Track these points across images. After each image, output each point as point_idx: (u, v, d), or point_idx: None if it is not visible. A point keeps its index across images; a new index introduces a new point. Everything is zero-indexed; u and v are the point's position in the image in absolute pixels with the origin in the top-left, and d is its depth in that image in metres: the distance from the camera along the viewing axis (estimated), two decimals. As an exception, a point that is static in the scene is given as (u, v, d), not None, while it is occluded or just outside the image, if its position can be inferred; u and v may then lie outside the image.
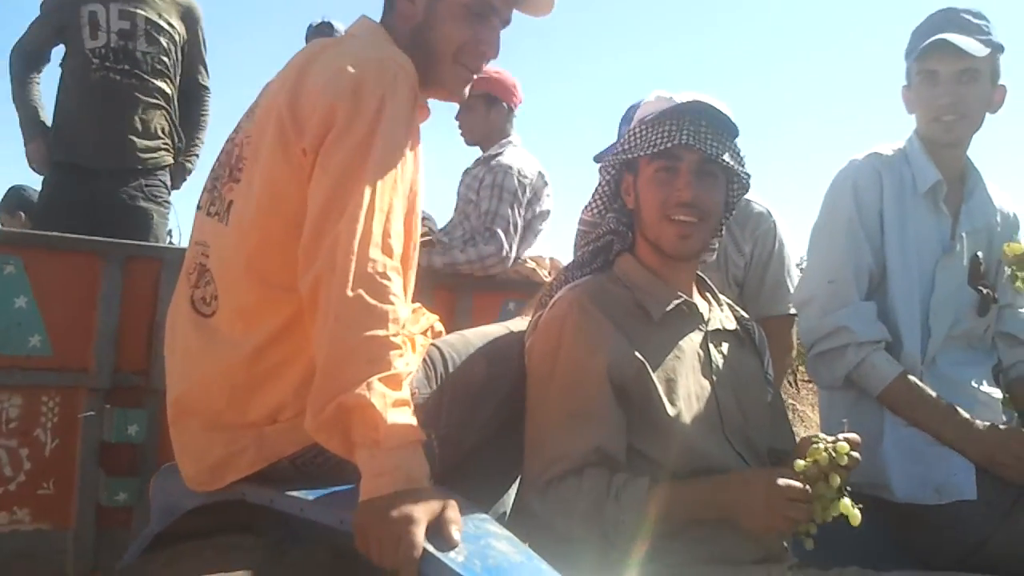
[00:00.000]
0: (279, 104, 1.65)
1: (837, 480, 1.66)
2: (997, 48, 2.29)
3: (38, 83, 4.13)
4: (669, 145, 1.88)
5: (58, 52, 4.04)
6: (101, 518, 2.61)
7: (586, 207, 2.12)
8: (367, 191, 1.52)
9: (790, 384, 8.13)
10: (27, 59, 4.07)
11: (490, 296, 3.46)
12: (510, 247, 3.59)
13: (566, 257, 3.57)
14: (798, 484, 1.65)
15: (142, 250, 2.79)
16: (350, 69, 1.60)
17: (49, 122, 4.02)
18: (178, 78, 4.12)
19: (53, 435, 2.55)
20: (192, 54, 4.17)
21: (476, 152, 3.93)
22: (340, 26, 4.51)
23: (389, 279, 1.50)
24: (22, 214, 5.24)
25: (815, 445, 1.69)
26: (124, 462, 2.62)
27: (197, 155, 4.21)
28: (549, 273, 3.65)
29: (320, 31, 4.50)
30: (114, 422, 2.59)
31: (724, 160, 1.91)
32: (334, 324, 1.46)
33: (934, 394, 2.17)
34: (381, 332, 1.46)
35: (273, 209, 1.64)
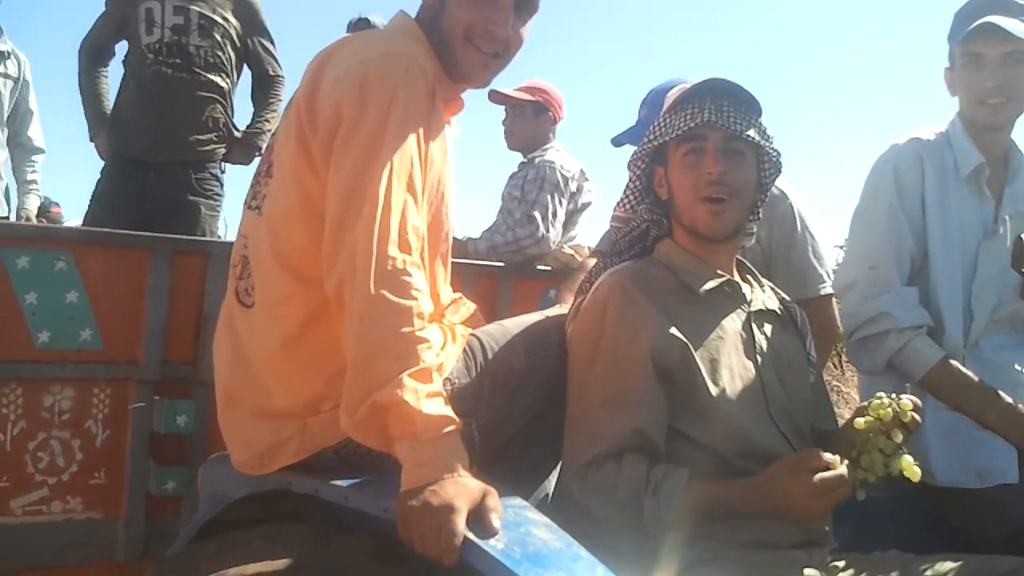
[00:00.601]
0: (298, 99, 1.69)
1: (900, 436, 1.67)
2: None
3: (105, 76, 4.23)
4: (692, 124, 1.90)
5: (122, 48, 4.14)
6: (151, 506, 2.66)
7: (618, 203, 2.13)
8: (382, 189, 1.54)
9: (834, 365, 8.07)
10: (92, 54, 4.18)
11: (530, 283, 3.49)
12: (547, 230, 3.68)
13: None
14: (833, 473, 1.64)
15: (189, 245, 2.84)
16: (357, 66, 1.62)
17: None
18: (236, 72, 4.19)
19: (104, 426, 2.61)
20: (255, 46, 4.21)
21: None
22: (379, 20, 4.53)
23: (410, 275, 1.53)
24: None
25: (878, 400, 1.70)
26: (173, 452, 2.68)
27: (261, 131, 4.24)
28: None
29: (358, 28, 4.52)
30: (163, 413, 2.65)
31: (750, 136, 1.92)
32: (359, 324, 1.49)
33: (976, 378, 2.15)
34: (407, 328, 1.49)
35: (299, 203, 1.68)
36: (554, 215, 3.75)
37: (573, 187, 3.86)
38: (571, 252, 3.64)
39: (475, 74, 1.88)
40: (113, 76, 4.21)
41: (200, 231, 4.00)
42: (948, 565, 1.79)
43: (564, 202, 3.81)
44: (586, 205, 3.95)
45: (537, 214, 3.69)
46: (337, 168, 1.59)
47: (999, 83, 2.24)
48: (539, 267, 3.65)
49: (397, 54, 1.66)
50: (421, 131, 1.65)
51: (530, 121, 3.98)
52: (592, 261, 2.39)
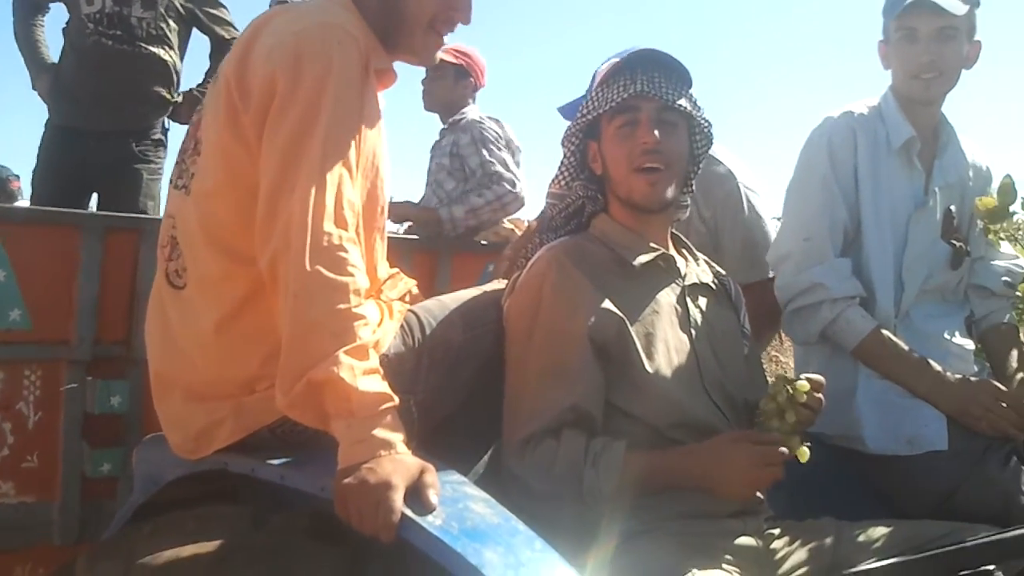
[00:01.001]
0: (228, 73, 1.64)
1: (792, 417, 1.71)
2: (974, 3, 2.30)
3: (41, 26, 4.15)
4: (626, 95, 1.91)
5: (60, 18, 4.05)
6: (86, 489, 2.62)
7: (553, 180, 2.13)
8: (317, 163, 1.52)
9: (775, 337, 8.17)
10: (27, 5, 4.09)
11: (471, 258, 3.48)
12: (518, 180, 3.71)
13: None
14: (773, 449, 1.68)
15: (121, 221, 2.78)
16: (292, 37, 1.59)
17: (53, 59, 4.06)
18: (183, 44, 4.13)
19: (36, 408, 2.56)
20: (203, 15, 4.12)
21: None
22: None
23: (346, 251, 1.51)
24: None
25: (775, 383, 1.75)
26: (108, 433, 2.64)
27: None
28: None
29: None
30: (97, 394, 2.61)
31: (682, 106, 1.93)
32: (295, 301, 1.47)
33: (907, 348, 2.20)
34: (343, 305, 1.47)
35: (228, 180, 1.64)
36: (508, 166, 3.75)
37: (504, 134, 3.86)
38: (511, 227, 3.63)
39: (429, 56, 1.88)
40: (53, 46, 4.13)
41: (143, 197, 3.96)
42: (880, 531, 1.82)
43: (510, 155, 3.81)
44: (518, 148, 3.97)
45: (500, 170, 3.68)
46: (271, 140, 1.56)
47: (932, 58, 2.27)
48: (480, 241, 3.63)
49: (332, 25, 1.63)
50: (356, 103, 1.63)
51: (450, 84, 3.92)
52: (532, 227, 2.38)
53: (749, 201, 2.83)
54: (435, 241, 3.45)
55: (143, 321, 1.89)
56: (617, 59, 1.99)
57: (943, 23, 2.24)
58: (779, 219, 2.82)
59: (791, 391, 1.73)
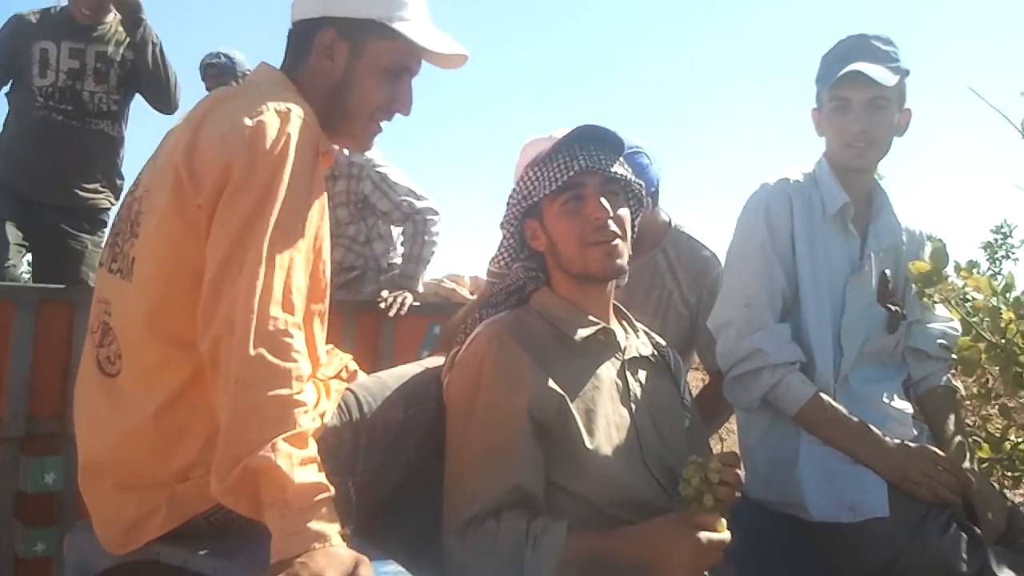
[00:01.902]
0: (176, 157, 1.61)
1: (711, 501, 1.72)
2: (904, 73, 2.35)
3: None
4: (571, 174, 1.91)
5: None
6: (19, 570, 2.56)
7: (493, 259, 2.13)
8: (266, 247, 1.51)
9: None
10: None
11: (414, 320, 3.47)
12: (426, 197, 3.77)
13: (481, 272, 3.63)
14: (717, 536, 1.69)
15: (55, 293, 2.74)
16: (247, 123, 1.57)
17: None
18: (126, 111, 4.11)
19: (-34, 488, 2.50)
20: (149, 75, 4.03)
21: None
22: (239, 56, 4.44)
23: (291, 336, 1.49)
24: None
25: (688, 468, 1.76)
26: (42, 512, 2.58)
27: None
28: (471, 292, 3.68)
29: (218, 67, 4.37)
30: (30, 471, 2.55)
31: (620, 174, 1.95)
32: (235, 385, 1.44)
33: (847, 413, 2.21)
34: (284, 391, 1.45)
35: (172, 266, 1.61)
36: (415, 192, 3.79)
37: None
38: (452, 285, 3.63)
39: (367, 143, 1.91)
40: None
41: (84, 267, 3.93)
42: None
43: (402, 175, 3.85)
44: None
45: (414, 202, 3.73)
46: (221, 225, 1.54)
47: (864, 127, 2.31)
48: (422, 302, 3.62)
49: (286, 112, 1.62)
50: (306, 189, 1.63)
51: None
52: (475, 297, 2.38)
53: None
54: (375, 304, 3.43)
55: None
56: (541, 137, 2.00)
57: (874, 93, 2.28)
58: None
59: (704, 474, 1.74)
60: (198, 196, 1.58)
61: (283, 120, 1.60)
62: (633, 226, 2.06)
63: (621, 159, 2.00)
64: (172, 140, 1.70)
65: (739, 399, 2.36)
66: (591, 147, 1.94)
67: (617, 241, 1.92)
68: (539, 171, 1.95)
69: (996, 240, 9.20)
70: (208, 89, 4.30)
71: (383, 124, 1.89)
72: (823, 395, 2.23)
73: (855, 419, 2.21)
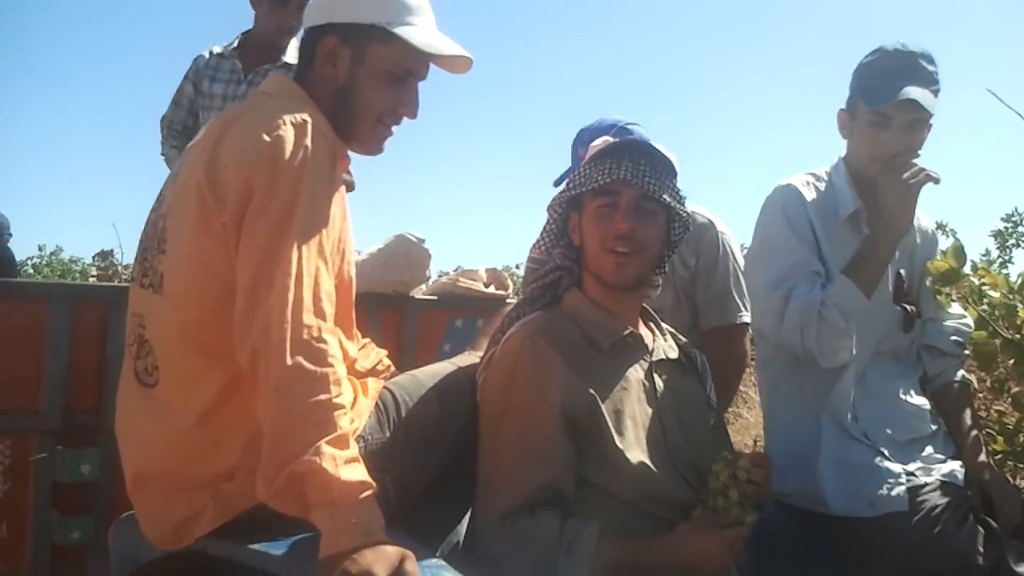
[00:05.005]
0: (198, 175, 1.66)
1: (735, 495, 1.80)
2: (937, 92, 2.34)
3: None
4: (608, 180, 1.97)
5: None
6: (56, 557, 2.62)
7: (535, 244, 2.19)
8: (294, 259, 1.56)
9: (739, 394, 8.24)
10: None
11: (436, 314, 3.52)
12: None
13: (498, 265, 3.65)
14: (738, 530, 1.77)
15: (88, 290, 2.80)
16: (265, 138, 1.62)
17: None
18: None
19: (5, 478, 2.57)
20: None
21: None
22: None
23: (325, 342, 1.55)
24: None
25: (719, 463, 1.85)
26: (78, 501, 2.65)
27: None
28: (486, 284, 3.72)
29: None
30: (66, 462, 2.62)
31: (663, 198, 1.99)
32: (276, 394, 1.50)
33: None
34: (324, 396, 1.51)
35: (203, 279, 1.66)
36: None
37: None
38: (468, 283, 3.66)
39: (377, 147, 1.93)
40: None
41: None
42: None
43: None
44: None
45: None
46: (249, 239, 1.59)
47: (902, 148, 2.30)
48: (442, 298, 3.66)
49: (302, 124, 1.67)
50: (327, 198, 1.68)
51: None
52: (509, 304, 2.41)
53: (727, 249, 2.99)
54: (401, 299, 3.48)
55: (113, 389, 1.89)
56: (608, 138, 2.05)
57: (916, 116, 2.29)
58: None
59: (733, 470, 1.82)
60: (222, 213, 1.63)
61: (299, 132, 1.65)
62: (670, 249, 2.12)
63: (673, 183, 2.04)
64: (192, 157, 1.75)
65: (838, 357, 2.28)
66: (642, 161, 1.99)
67: (631, 255, 1.98)
68: (588, 169, 2.02)
69: (1007, 228, 9.21)
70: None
71: (393, 128, 1.92)
72: (840, 274, 2.25)
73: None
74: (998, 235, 9.18)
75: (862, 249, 2.26)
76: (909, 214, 2.24)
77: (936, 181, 2.24)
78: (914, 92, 2.26)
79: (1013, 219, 9.04)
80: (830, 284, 2.26)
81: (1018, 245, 9.12)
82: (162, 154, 4.07)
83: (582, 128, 3.01)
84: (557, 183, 3.06)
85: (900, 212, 2.22)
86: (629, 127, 2.89)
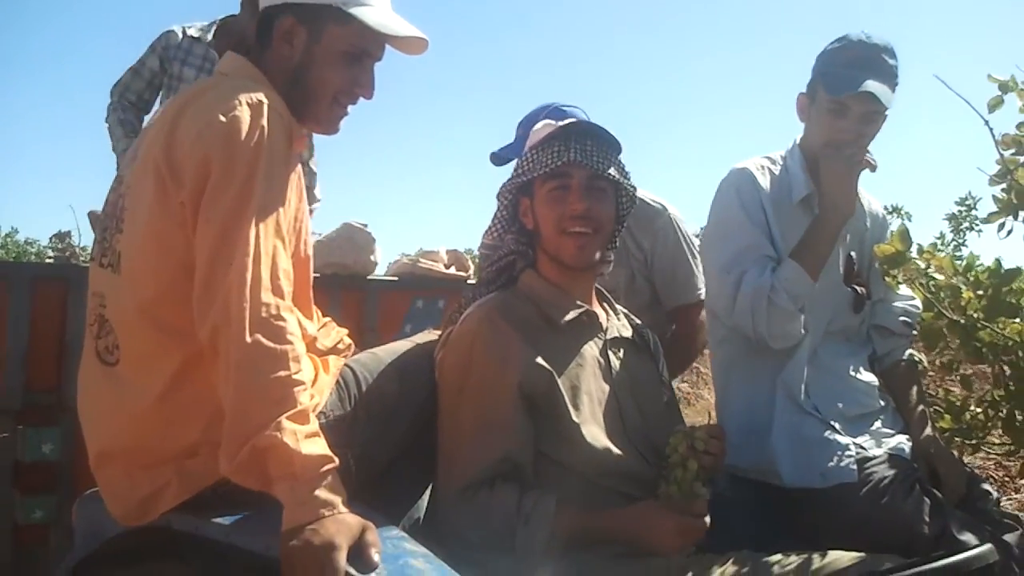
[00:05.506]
0: (156, 155, 1.68)
1: (694, 466, 1.86)
2: (896, 87, 2.40)
3: None
4: (559, 163, 2.02)
5: None
6: (18, 536, 2.63)
7: (487, 231, 2.23)
8: (252, 238, 1.58)
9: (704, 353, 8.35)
10: None
11: (398, 295, 3.56)
12: None
13: (455, 245, 3.71)
14: (698, 521, 1.84)
15: (49, 270, 2.80)
16: (221, 118, 1.64)
17: None
18: None
19: (-35, 459, 2.57)
20: None
21: None
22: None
23: (284, 320, 1.58)
24: None
25: (676, 435, 1.90)
26: (40, 480, 2.65)
27: None
28: (447, 265, 3.76)
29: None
30: (27, 442, 2.62)
31: (611, 174, 2.05)
32: (236, 371, 1.53)
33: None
34: (283, 372, 1.54)
35: (161, 258, 1.68)
36: None
37: None
38: (428, 264, 3.70)
39: (333, 126, 1.95)
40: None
41: None
42: (793, 562, 1.95)
43: None
44: None
45: None
46: (206, 220, 1.61)
47: (856, 137, 2.37)
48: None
49: (258, 104, 1.68)
50: (284, 177, 1.71)
51: None
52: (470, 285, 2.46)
53: (680, 230, 3.11)
54: (363, 280, 3.51)
55: (74, 369, 1.91)
56: (552, 123, 2.10)
57: (873, 108, 2.34)
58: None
59: (691, 442, 1.87)
60: (180, 192, 1.65)
61: (255, 113, 1.67)
62: (620, 223, 2.17)
63: (618, 159, 2.11)
64: (150, 137, 1.76)
65: (788, 339, 2.34)
66: (588, 142, 2.05)
67: (591, 235, 2.04)
68: (536, 154, 2.07)
69: (961, 212, 9.40)
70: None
71: (349, 108, 1.94)
72: (788, 258, 2.32)
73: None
74: (952, 218, 9.38)
75: (808, 233, 2.33)
76: (849, 198, 2.33)
77: (872, 168, 2.34)
78: (873, 86, 2.31)
79: (967, 202, 9.24)
80: (779, 268, 2.32)
81: (971, 228, 9.33)
82: (106, 121, 4.02)
83: (530, 112, 3.11)
84: (498, 161, 3.13)
85: (840, 197, 2.30)
86: (564, 108, 2.98)
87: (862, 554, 1.94)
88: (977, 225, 9.14)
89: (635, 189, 2.16)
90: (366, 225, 3.63)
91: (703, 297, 3.00)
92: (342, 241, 3.58)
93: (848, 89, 2.33)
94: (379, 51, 1.93)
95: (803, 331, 2.35)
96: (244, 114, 1.65)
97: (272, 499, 1.54)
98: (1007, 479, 5.84)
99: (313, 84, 1.86)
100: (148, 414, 1.70)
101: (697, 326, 3.08)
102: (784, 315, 2.29)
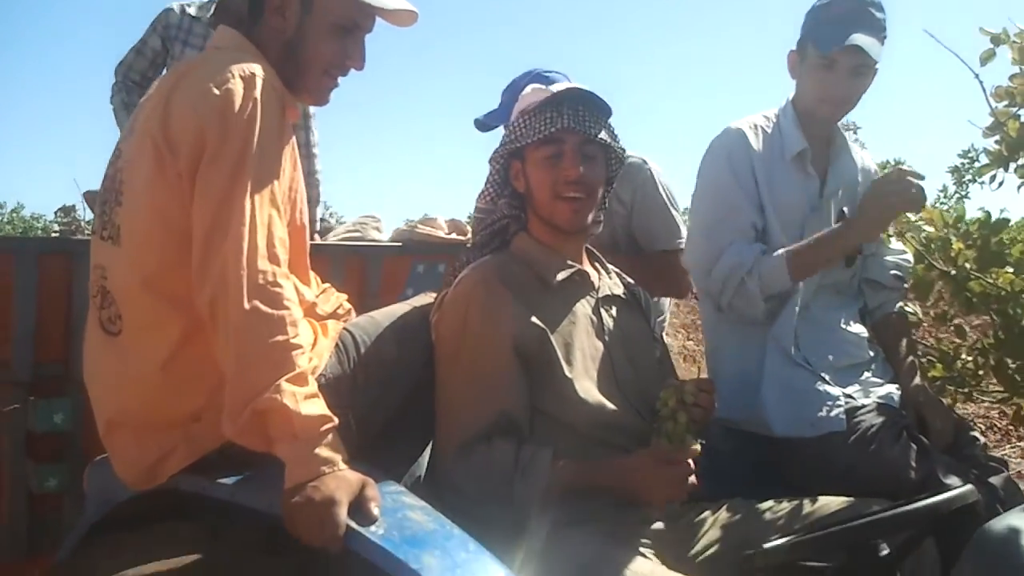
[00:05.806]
0: (152, 128, 1.72)
1: (684, 418, 1.89)
2: (884, 40, 2.43)
3: None
4: (553, 130, 2.05)
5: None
6: (33, 505, 2.69)
7: (480, 195, 2.27)
8: (247, 208, 1.63)
9: (694, 296, 8.41)
10: None
11: (399, 260, 3.60)
12: None
13: (456, 214, 3.77)
14: (687, 471, 1.86)
15: (53, 244, 2.85)
16: (215, 91, 1.67)
17: None
18: None
19: (-22, 430, 2.63)
20: None
21: None
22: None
23: (280, 286, 1.63)
24: None
25: (666, 389, 1.92)
26: (52, 450, 2.71)
27: None
28: (447, 232, 3.80)
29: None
30: (39, 412, 2.67)
31: (602, 139, 2.10)
32: (236, 337, 1.59)
33: (815, 235, 2.36)
34: (281, 337, 1.59)
35: (160, 229, 1.72)
36: None
37: None
38: (427, 230, 3.74)
39: (324, 98, 1.98)
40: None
41: None
42: (784, 508, 2.02)
43: None
44: None
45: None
46: (203, 190, 1.66)
47: (846, 91, 2.43)
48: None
49: (251, 76, 1.72)
50: (277, 147, 1.75)
51: None
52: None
53: (660, 182, 3.22)
54: (364, 246, 3.56)
55: (81, 340, 1.96)
56: (541, 87, 2.14)
57: (861, 62, 2.38)
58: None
59: (681, 395, 1.91)
60: (177, 164, 1.69)
61: (248, 84, 1.70)
62: (609, 185, 2.21)
63: (608, 123, 2.15)
64: (146, 111, 1.80)
65: (748, 316, 2.42)
66: (580, 108, 2.09)
67: (584, 199, 2.09)
68: (528, 120, 2.10)
69: (963, 164, 9.40)
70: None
71: (339, 79, 1.97)
72: (785, 250, 2.36)
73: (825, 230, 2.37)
74: (955, 171, 9.39)
75: (819, 238, 2.35)
76: (880, 229, 2.37)
77: (917, 209, 2.37)
78: (861, 39, 2.35)
79: (969, 155, 9.24)
80: (764, 257, 2.36)
81: (974, 180, 9.33)
82: (111, 102, 4.04)
83: (515, 79, 3.19)
84: (483, 128, 3.22)
85: (873, 226, 2.32)
86: (547, 75, 3.04)
87: (851, 499, 2.01)
88: (980, 177, 9.14)
89: (624, 151, 2.21)
90: (378, 219, 3.79)
91: (683, 246, 3.03)
92: (357, 226, 3.79)
93: (836, 44, 2.36)
94: (369, 23, 1.95)
95: (761, 316, 2.41)
96: (237, 86, 1.68)
97: (275, 459, 1.59)
98: (1010, 428, 5.88)
99: (305, 56, 1.89)
100: (153, 382, 1.75)
101: (679, 272, 3.11)
102: (749, 299, 2.37)
